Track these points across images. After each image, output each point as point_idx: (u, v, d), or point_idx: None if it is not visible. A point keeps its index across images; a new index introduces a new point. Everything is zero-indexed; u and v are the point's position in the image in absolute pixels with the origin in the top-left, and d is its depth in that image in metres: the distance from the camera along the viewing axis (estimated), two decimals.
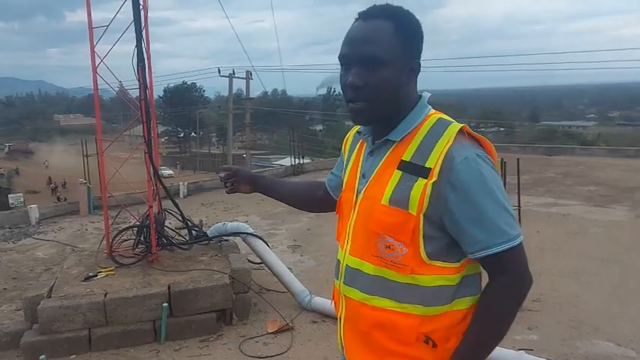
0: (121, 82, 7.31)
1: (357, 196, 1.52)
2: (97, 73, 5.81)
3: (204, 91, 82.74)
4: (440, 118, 1.44)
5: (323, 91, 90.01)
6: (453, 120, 1.45)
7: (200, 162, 58.00)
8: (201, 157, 62.11)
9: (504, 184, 8.18)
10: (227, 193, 2.12)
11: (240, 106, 36.35)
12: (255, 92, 38.39)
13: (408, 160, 1.39)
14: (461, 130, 1.39)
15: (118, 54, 7.27)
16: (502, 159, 8.52)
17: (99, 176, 6.24)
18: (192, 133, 76.84)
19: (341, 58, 1.43)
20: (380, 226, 1.41)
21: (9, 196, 22.94)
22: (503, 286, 1.37)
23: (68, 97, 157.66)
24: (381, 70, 1.37)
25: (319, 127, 75.90)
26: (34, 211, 10.94)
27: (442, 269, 1.39)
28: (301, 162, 17.71)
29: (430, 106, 1.50)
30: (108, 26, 5.61)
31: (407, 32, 1.40)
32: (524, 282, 1.38)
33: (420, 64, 1.46)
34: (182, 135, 79.86)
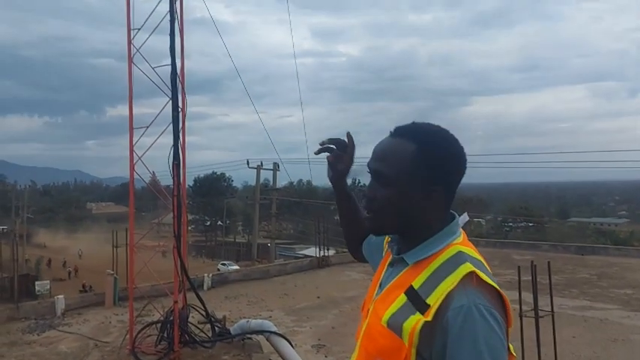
0: (153, 172, 7.57)
1: (372, 305, 1.48)
2: (134, 170, 6.06)
3: (232, 181, 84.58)
4: (459, 252, 1.36)
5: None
6: (472, 255, 1.36)
7: (225, 251, 58.01)
8: (227, 245, 62.19)
9: (535, 284, 7.95)
10: (315, 153, 1.81)
11: (267, 196, 36.94)
12: (281, 182, 39.10)
13: (416, 288, 1.33)
14: (470, 274, 1.28)
15: (152, 143, 7.61)
16: (532, 261, 8.34)
17: (127, 268, 6.31)
18: (219, 222, 77.64)
19: (367, 166, 1.46)
20: (376, 347, 1.36)
21: (36, 283, 23.08)
22: None
23: (102, 186, 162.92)
24: (387, 189, 1.38)
25: None
26: (60, 302, 10.97)
27: None
28: (327, 254, 17.59)
29: (459, 232, 1.44)
30: (147, 128, 5.94)
31: (428, 157, 1.36)
32: None
33: (442, 190, 1.39)
34: (209, 223, 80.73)
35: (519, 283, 8.27)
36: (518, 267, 8.37)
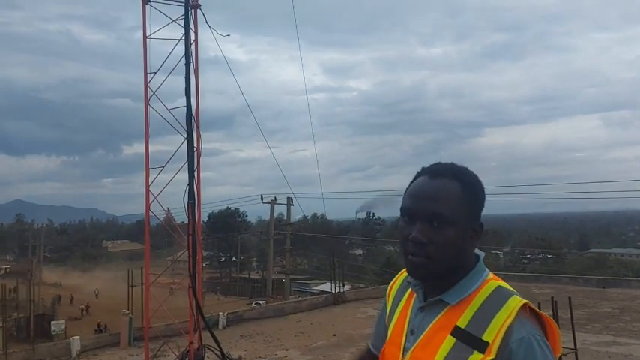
0: (168, 209, 7.63)
1: (403, 353, 1.44)
2: (149, 209, 6.12)
3: (246, 216, 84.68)
4: (499, 286, 1.39)
5: (362, 215, 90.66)
6: (513, 290, 1.39)
7: (240, 287, 57.64)
8: (241, 281, 61.82)
9: (556, 320, 7.78)
10: None
11: (281, 231, 36.87)
12: (295, 217, 39.06)
13: (463, 327, 1.32)
14: (523, 306, 1.31)
15: (167, 180, 7.68)
16: (552, 297, 8.18)
17: (142, 307, 6.30)
18: (233, 258, 77.44)
19: (405, 210, 1.41)
20: None
21: (52, 323, 23.08)
22: None
23: (117, 224, 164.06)
24: (447, 230, 1.35)
25: (359, 252, 75.28)
26: (75, 343, 10.94)
27: None
28: (342, 290, 17.41)
29: (488, 269, 1.45)
30: (162, 168, 6.04)
31: (472, 194, 1.40)
32: None
33: (482, 226, 1.43)
34: (223, 259, 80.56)
35: None
36: (539, 303, 8.21)
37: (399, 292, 1.60)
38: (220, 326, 13.60)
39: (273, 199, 33.50)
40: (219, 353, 6.49)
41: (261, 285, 48.17)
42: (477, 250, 1.48)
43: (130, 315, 12.02)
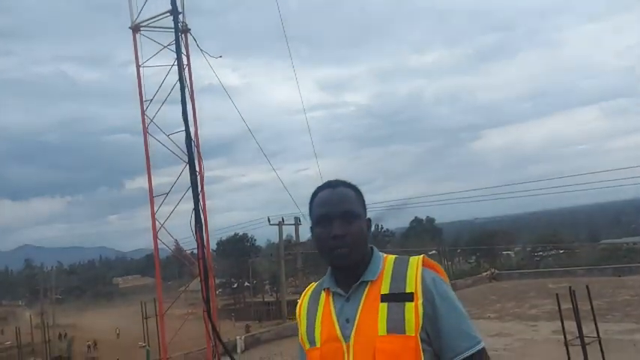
0: (177, 240, 7.61)
1: (345, 340, 1.64)
2: (157, 238, 6.10)
3: (255, 240, 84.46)
4: (396, 257, 1.76)
5: (372, 228, 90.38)
6: (406, 256, 1.75)
7: (255, 311, 57.33)
8: (256, 306, 61.50)
9: (576, 311, 7.67)
10: None
11: (291, 251, 36.72)
12: (304, 236, 38.97)
13: (387, 292, 1.63)
14: (422, 259, 1.70)
15: (174, 212, 7.68)
16: (570, 287, 8.09)
17: (158, 339, 6.24)
18: (246, 283, 77.12)
19: (321, 217, 1.73)
20: (385, 355, 1.55)
21: None
22: None
23: (126, 260, 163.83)
24: (356, 222, 1.71)
25: None
26: None
27: None
28: None
29: (381, 253, 1.80)
30: (167, 195, 6.04)
31: (361, 196, 1.82)
32: None
33: (370, 220, 1.82)
34: (236, 285, 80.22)
35: (560, 312, 7.99)
36: (557, 295, 8.12)
37: (311, 306, 1.83)
38: (239, 350, 13.47)
39: (281, 220, 33.40)
40: None
41: (276, 307, 47.86)
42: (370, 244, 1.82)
43: (147, 347, 11.93)
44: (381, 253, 1.80)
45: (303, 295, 1.90)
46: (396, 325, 1.57)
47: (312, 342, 1.75)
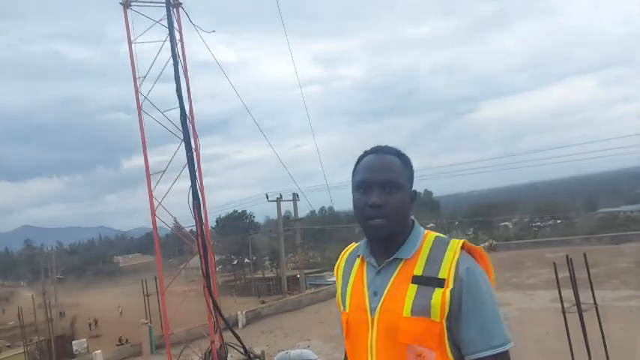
0: (175, 218, 7.59)
1: (371, 313, 1.62)
2: (155, 215, 6.09)
3: (254, 217, 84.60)
4: (437, 236, 1.68)
5: None
6: (447, 237, 1.67)
7: (255, 287, 57.82)
8: (256, 282, 61.97)
9: (573, 278, 7.73)
10: None
11: (290, 227, 36.86)
12: (303, 212, 39.03)
13: (420, 274, 1.57)
14: (462, 244, 1.62)
15: (172, 190, 7.68)
16: (567, 255, 8.14)
17: (160, 315, 6.28)
18: (246, 259, 77.57)
19: (361, 182, 1.66)
20: (408, 337, 1.53)
21: (73, 343, 23.17)
22: None
23: (126, 239, 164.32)
24: (397, 194, 1.63)
25: None
26: (98, 358, 10.97)
27: None
28: None
29: (422, 228, 1.73)
30: (164, 172, 6.01)
31: (409, 167, 1.72)
32: None
33: (416, 193, 1.74)
34: (236, 262, 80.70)
35: (557, 281, 8.06)
36: (554, 264, 8.17)
37: (347, 267, 1.81)
38: (240, 325, 13.62)
39: (279, 196, 33.44)
40: (242, 350, 6.48)
41: (277, 283, 48.27)
42: (412, 217, 1.75)
43: (149, 324, 12.05)
44: (422, 228, 1.72)
45: (342, 254, 1.87)
46: (421, 309, 1.52)
47: (344, 305, 1.75)
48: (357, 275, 1.72)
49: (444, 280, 1.53)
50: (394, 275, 1.61)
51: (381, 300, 1.59)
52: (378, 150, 1.72)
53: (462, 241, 1.64)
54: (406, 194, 1.66)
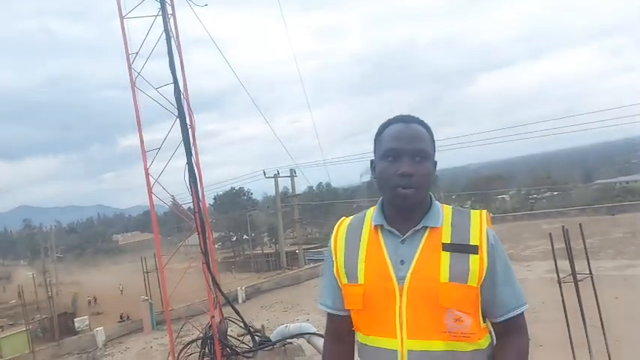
0: (173, 196, 7.59)
1: (399, 282, 1.60)
2: (152, 192, 6.09)
3: (251, 193, 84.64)
4: (453, 207, 1.73)
5: (367, 178, 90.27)
6: (465, 208, 1.77)
7: (255, 263, 58.22)
8: (255, 258, 62.34)
9: (569, 249, 7.80)
10: None
11: (288, 203, 36.99)
12: (300, 188, 39.12)
13: (449, 242, 1.61)
14: (486, 214, 1.70)
15: (168, 169, 7.67)
16: (563, 226, 8.19)
17: (160, 292, 6.33)
18: (245, 236, 77.92)
19: (391, 150, 1.65)
20: (448, 301, 1.56)
21: (75, 320, 23.39)
22: (524, 346, 1.68)
23: (125, 217, 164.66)
24: (426, 163, 1.64)
25: None
26: (100, 334, 11.11)
27: (486, 330, 1.68)
28: None
29: None
30: (159, 149, 5.98)
31: (432, 137, 1.73)
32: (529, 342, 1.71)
33: (436, 163, 1.75)
34: (235, 239, 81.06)
35: (553, 251, 8.12)
36: (550, 234, 8.23)
37: (351, 240, 1.74)
38: (240, 300, 13.77)
39: (276, 172, 33.50)
40: (242, 325, 6.55)
41: (275, 259, 48.61)
42: None
43: (150, 301, 12.16)
44: (437, 201, 1.75)
45: (336, 228, 1.81)
46: (459, 275, 1.57)
47: (352, 277, 1.68)
48: (374, 246, 1.68)
49: (476, 246, 1.60)
50: (422, 243, 1.63)
51: (411, 267, 1.60)
52: (405, 119, 1.72)
53: (485, 211, 1.71)
54: (432, 164, 1.69)
